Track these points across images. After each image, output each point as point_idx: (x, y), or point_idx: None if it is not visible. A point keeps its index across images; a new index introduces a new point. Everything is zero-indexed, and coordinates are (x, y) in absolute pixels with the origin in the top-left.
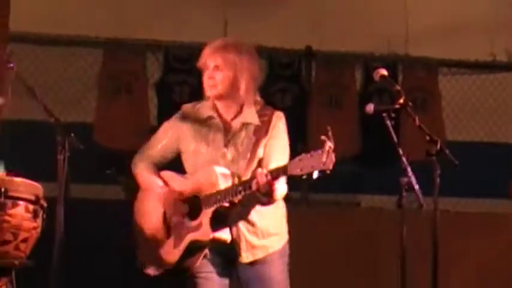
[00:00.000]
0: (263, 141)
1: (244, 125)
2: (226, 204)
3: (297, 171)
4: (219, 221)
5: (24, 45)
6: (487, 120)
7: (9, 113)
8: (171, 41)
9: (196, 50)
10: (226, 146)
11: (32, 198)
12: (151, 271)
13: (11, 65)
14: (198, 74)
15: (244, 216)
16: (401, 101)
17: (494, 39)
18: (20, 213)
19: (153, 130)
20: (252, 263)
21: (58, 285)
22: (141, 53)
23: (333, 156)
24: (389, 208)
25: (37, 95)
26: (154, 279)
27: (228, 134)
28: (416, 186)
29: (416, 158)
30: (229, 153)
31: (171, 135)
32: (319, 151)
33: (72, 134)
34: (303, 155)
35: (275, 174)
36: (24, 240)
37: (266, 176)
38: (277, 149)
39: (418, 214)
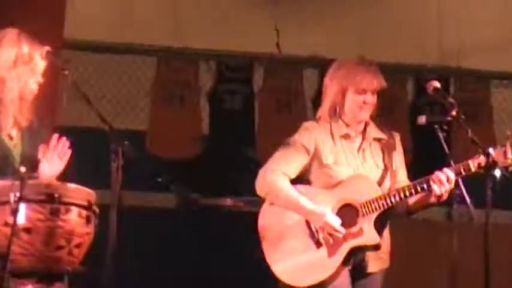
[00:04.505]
0: (394, 155)
1: (375, 139)
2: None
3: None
4: (379, 225)
5: (79, 52)
6: None
7: (64, 119)
8: (224, 51)
9: (248, 60)
10: (363, 157)
11: (85, 204)
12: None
13: (66, 72)
14: (250, 84)
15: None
16: (454, 113)
17: None
18: (73, 218)
19: (205, 139)
20: (372, 274)
21: None
22: (194, 62)
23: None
24: (439, 220)
25: (91, 102)
26: None
27: (362, 147)
28: (468, 199)
29: None
30: (367, 164)
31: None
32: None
33: (126, 142)
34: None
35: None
36: (78, 246)
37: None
38: (402, 161)
39: (469, 227)
